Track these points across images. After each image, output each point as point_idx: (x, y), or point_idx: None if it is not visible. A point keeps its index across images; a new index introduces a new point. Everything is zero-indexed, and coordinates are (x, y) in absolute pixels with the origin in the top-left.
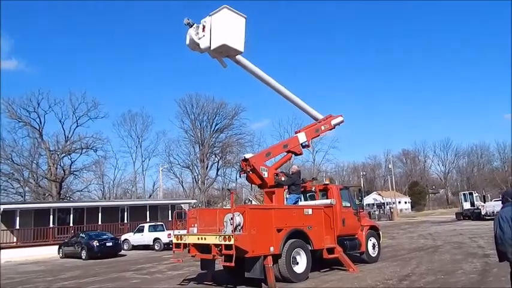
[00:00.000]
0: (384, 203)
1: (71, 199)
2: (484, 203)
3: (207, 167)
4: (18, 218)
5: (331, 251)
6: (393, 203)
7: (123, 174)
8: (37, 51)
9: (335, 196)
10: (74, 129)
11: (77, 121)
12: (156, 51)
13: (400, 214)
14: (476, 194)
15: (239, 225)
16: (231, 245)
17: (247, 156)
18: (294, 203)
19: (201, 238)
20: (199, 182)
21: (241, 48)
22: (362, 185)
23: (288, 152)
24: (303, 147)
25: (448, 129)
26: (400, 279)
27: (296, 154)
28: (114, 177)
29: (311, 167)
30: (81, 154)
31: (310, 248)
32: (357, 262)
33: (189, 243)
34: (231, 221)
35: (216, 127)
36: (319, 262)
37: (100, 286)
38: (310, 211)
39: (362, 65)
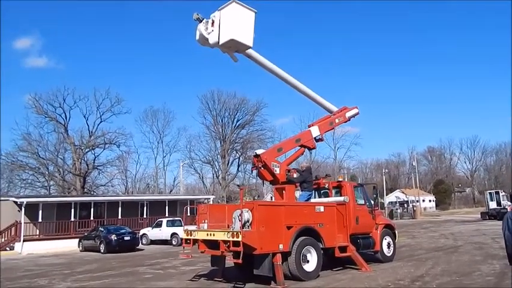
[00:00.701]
0: (407, 201)
1: (95, 193)
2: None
3: (228, 163)
4: (41, 212)
5: (343, 249)
6: (417, 201)
7: (146, 169)
8: (63, 50)
9: (349, 193)
10: (98, 125)
11: (100, 116)
12: (178, 47)
13: (423, 213)
14: (503, 193)
15: (247, 221)
16: (239, 241)
17: (259, 152)
18: (306, 200)
19: (210, 234)
20: (220, 177)
21: (250, 43)
22: (384, 182)
23: (301, 146)
24: (317, 141)
25: (476, 126)
26: (412, 280)
27: (309, 148)
28: (136, 172)
29: (332, 163)
30: (104, 149)
31: (321, 246)
32: (371, 261)
33: (198, 239)
34: (240, 217)
35: (238, 123)
36: (332, 260)
37: (112, 280)
38: (322, 208)
39: (387, 61)
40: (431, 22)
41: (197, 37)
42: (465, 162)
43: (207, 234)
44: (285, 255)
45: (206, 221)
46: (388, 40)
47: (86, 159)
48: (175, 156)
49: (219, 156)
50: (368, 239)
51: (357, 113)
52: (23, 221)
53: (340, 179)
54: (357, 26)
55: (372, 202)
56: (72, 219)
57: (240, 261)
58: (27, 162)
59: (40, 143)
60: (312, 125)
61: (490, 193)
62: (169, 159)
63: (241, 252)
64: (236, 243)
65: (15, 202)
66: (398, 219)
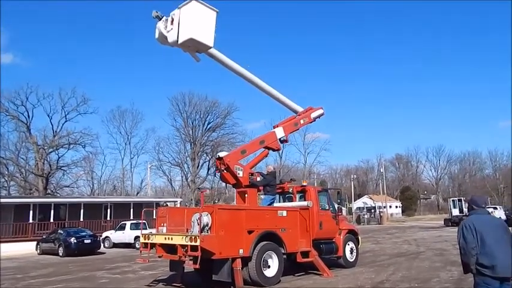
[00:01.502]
0: (374, 206)
1: (58, 194)
2: None
3: (197, 166)
4: None
5: (305, 254)
6: (384, 207)
7: (113, 170)
8: (30, 46)
9: (313, 198)
10: (63, 124)
11: (65, 116)
12: (148, 46)
13: (390, 218)
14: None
15: (207, 225)
16: (197, 246)
17: (222, 154)
18: (268, 204)
19: (168, 238)
20: (189, 180)
21: (210, 43)
22: (353, 188)
23: (266, 148)
24: (281, 142)
25: (442, 135)
26: (372, 286)
27: (274, 150)
28: (101, 174)
29: (302, 168)
30: (68, 149)
31: (283, 251)
32: (333, 267)
33: (156, 243)
34: (198, 221)
35: (208, 126)
36: (294, 265)
37: (66, 285)
38: (284, 213)
39: (358, 68)
40: (411, 24)
41: (156, 35)
42: (431, 170)
43: (165, 238)
44: (245, 260)
45: (165, 224)
46: (363, 44)
47: (49, 159)
48: (143, 158)
49: (188, 158)
50: (331, 244)
51: (322, 114)
52: None
53: (305, 184)
54: (332, 29)
55: (336, 207)
56: (31, 221)
57: (197, 266)
58: None
59: None
60: (277, 126)
61: (453, 200)
62: (137, 160)
63: (199, 257)
64: (194, 248)
65: None
66: (366, 225)
